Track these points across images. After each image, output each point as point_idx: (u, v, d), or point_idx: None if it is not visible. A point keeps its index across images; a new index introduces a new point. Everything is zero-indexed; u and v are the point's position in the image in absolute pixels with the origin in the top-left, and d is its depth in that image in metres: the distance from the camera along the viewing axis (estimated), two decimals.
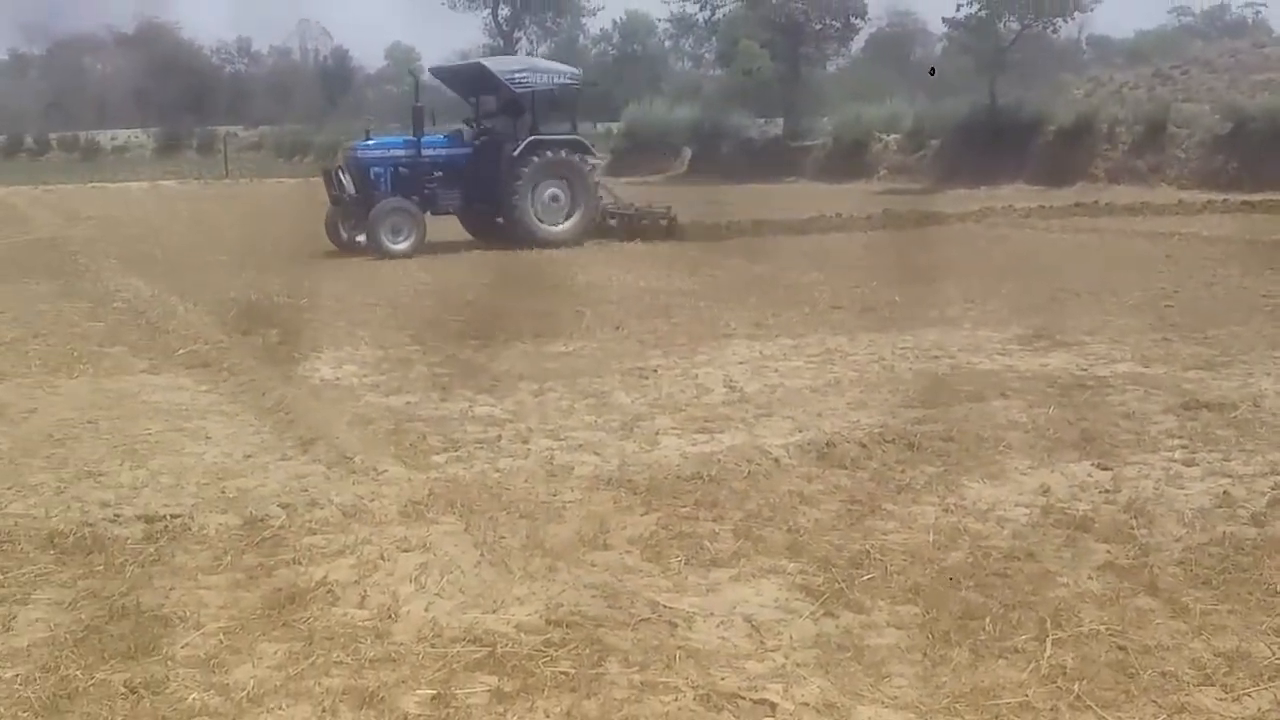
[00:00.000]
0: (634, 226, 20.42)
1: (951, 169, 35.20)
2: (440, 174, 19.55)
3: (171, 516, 5.93)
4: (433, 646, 4.44)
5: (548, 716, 3.93)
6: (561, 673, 4.21)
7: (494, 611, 4.77)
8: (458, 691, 4.10)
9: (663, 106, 51.05)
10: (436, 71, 23.65)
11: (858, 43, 54.37)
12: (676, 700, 4.02)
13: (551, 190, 19.61)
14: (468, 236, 20.40)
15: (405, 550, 5.49)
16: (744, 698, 4.03)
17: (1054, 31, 42.10)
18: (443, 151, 19.77)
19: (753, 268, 16.09)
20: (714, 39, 57.22)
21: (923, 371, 9.24)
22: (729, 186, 35.62)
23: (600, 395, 8.58)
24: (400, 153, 19.42)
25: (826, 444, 7.10)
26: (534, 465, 6.85)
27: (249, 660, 4.36)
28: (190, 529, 5.79)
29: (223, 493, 6.37)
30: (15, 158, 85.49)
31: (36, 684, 4.16)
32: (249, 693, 4.09)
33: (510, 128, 20.07)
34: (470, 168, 19.72)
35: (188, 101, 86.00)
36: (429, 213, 19.19)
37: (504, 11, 62.84)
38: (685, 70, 78.52)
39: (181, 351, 10.28)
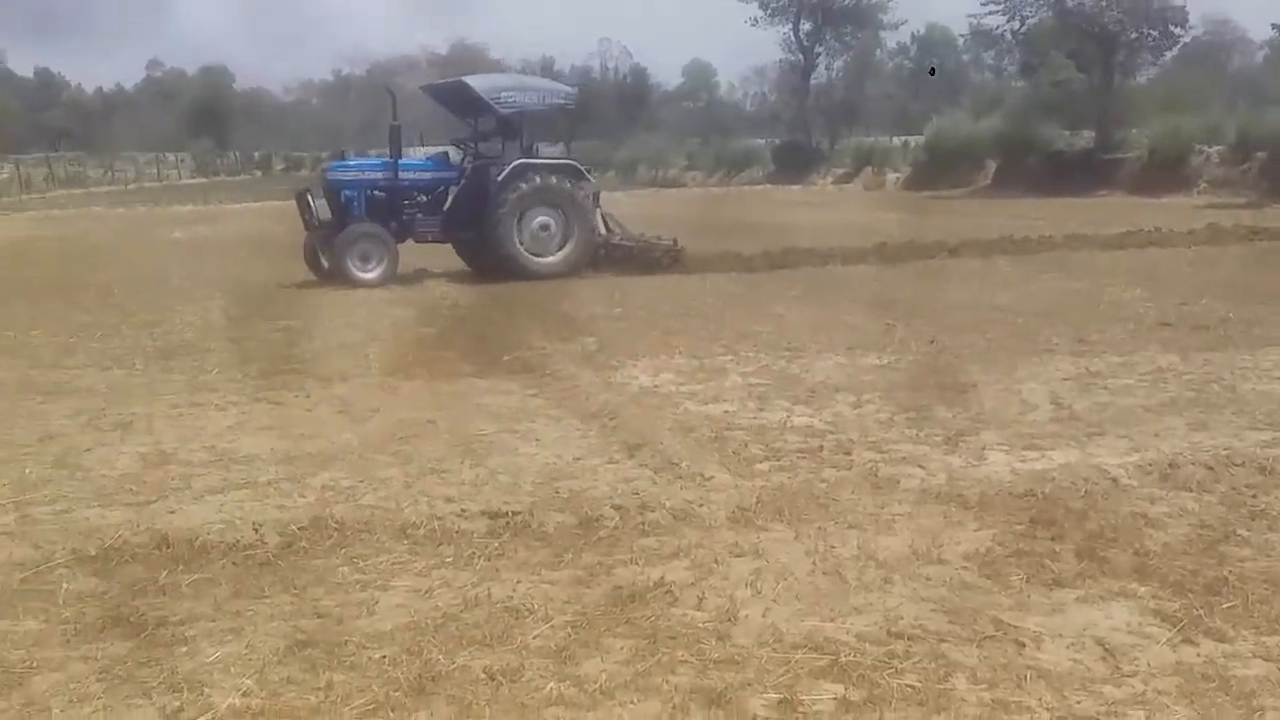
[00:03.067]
0: (636, 258, 18.54)
1: None
2: (420, 199, 18.16)
3: (513, 513, 6.17)
4: (774, 651, 4.47)
5: None
6: (908, 685, 4.17)
7: (832, 620, 4.76)
8: (803, 697, 4.11)
9: (965, 119, 49.98)
10: (429, 89, 21.66)
11: (1171, 51, 51.95)
12: None
13: (541, 219, 17.81)
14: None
15: (738, 555, 5.55)
16: None
17: None
18: (424, 175, 18.35)
19: (1069, 283, 15.54)
20: (1016, 50, 55.60)
21: (1267, 393, 8.71)
22: (1036, 200, 34.58)
23: (920, 409, 8.45)
24: (376, 175, 18.05)
25: (1169, 465, 6.80)
26: (858, 477, 6.81)
27: (597, 654, 4.49)
28: (530, 526, 6.01)
29: (557, 492, 6.58)
30: None
31: (403, 666, 4.40)
32: (600, 686, 4.21)
33: (510, 150, 18.29)
34: (456, 193, 18.18)
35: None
36: (409, 240, 17.98)
37: (805, 27, 62.88)
38: (985, 81, 76.68)
39: (507, 357, 10.69)
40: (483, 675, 4.31)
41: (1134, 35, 44.47)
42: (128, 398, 9.35)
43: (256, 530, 5.96)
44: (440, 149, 19.53)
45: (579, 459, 7.28)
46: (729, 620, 4.78)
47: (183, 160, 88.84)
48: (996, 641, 4.53)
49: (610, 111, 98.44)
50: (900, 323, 12.28)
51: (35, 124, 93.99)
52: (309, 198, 17.65)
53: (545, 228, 17.79)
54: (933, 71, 67.17)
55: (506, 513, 6.19)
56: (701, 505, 6.28)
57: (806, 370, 9.99)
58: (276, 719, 4.02)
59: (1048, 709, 3.99)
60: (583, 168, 18.71)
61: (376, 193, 17.76)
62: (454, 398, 9.17)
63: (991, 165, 46.31)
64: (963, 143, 47.36)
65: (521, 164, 17.73)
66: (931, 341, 11.20)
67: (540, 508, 6.28)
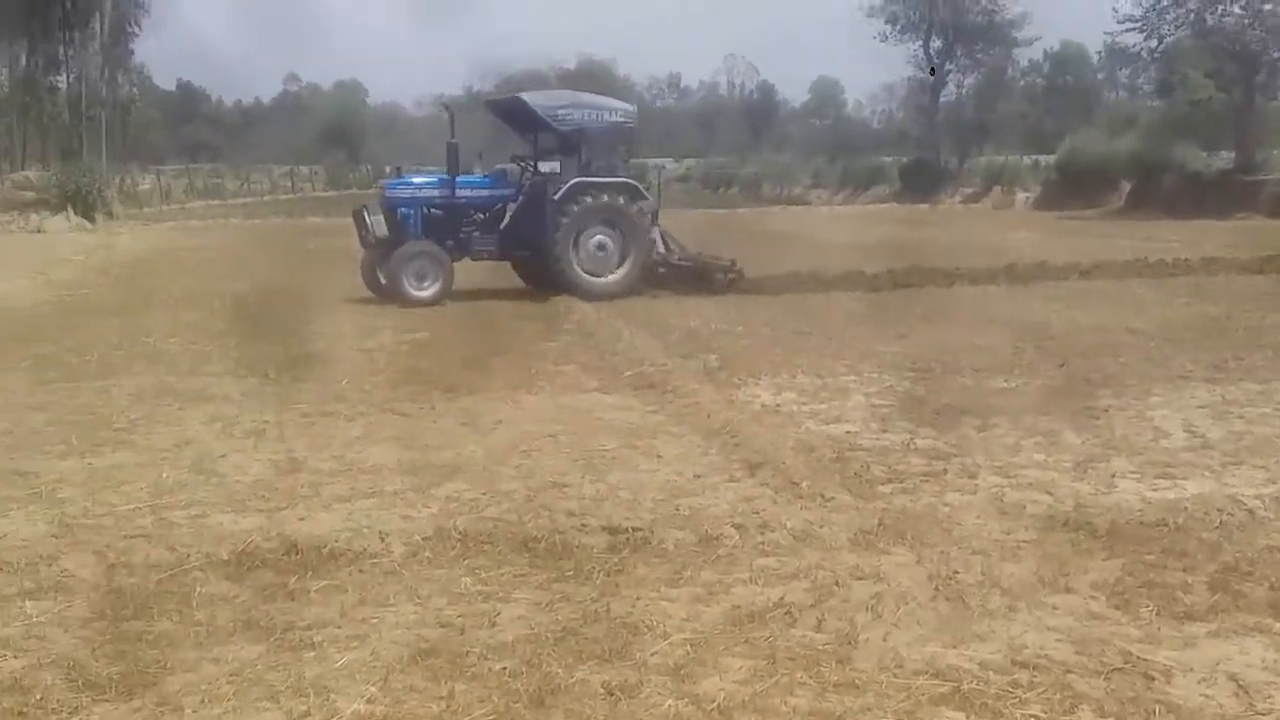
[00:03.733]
0: (693, 278, 18.31)
1: None
2: (477, 217, 18.11)
3: (633, 529, 6.20)
4: (895, 676, 4.42)
5: None
6: (1031, 715, 4.11)
7: (955, 647, 4.70)
8: None
9: (1099, 138, 48.97)
10: (491, 105, 21.47)
11: None
12: None
13: (598, 238, 17.68)
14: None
15: (858, 578, 5.50)
16: None
17: None
18: (481, 193, 18.27)
19: (1205, 308, 15.11)
20: (1153, 68, 54.32)
21: None
22: (1172, 222, 33.68)
23: (1049, 434, 8.30)
24: (433, 193, 17.96)
25: None
26: (983, 501, 6.71)
27: (715, 673, 4.49)
28: (650, 542, 6.03)
29: (677, 509, 6.59)
30: None
31: (523, 678, 4.44)
32: (719, 705, 4.21)
33: (569, 168, 18.12)
34: (514, 211, 18.17)
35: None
36: (466, 258, 17.96)
37: (935, 43, 62.21)
38: (1119, 100, 75.07)
39: (629, 373, 10.74)
40: (601, 690, 4.33)
41: (1276, 55, 43.17)
42: (261, 406, 9.59)
43: (382, 539, 6.07)
44: (501, 167, 19.38)
45: (699, 476, 7.29)
46: (849, 643, 4.74)
47: (316, 173, 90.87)
48: (1124, 674, 4.42)
49: (736, 128, 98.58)
50: (1029, 345, 12.07)
51: (176, 136, 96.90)
52: (365, 214, 17.79)
53: (602, 247, 17.67)
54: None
55: (627, 528, 6.22)
56: (822, 526, 6.24)
57: (932, 392, 9.87)
58: None
59: None
60: (640, 186, 18.60)
61: (433, 210, 17.74)
62: (576, 412, 9.24)
63: (1126, 186, 45.26)
64: (1096, 162, 46.36)
65: (579, 182, 17.60)
66: (1061, 365, 11.00)
67: (660, 524, 6.30)
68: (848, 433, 8.48)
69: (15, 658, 4.67)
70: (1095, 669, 4.47)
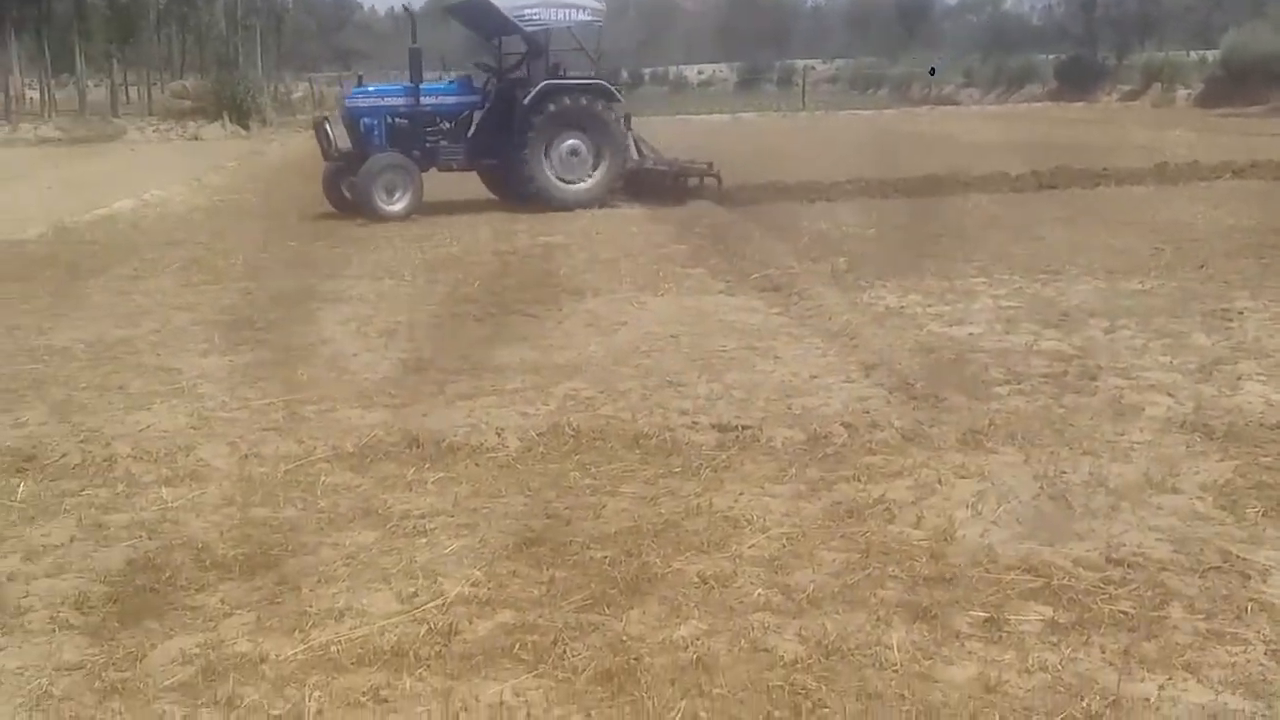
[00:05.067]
0: (671, 184, 17.61)
1: None
2: (444, 125, 17.17)
3: (742, 428, 6.30)
4: (987, 572, 4.47)
5: (1103, 652, 3.85)
6: (1120, 611, 4.11)
7: (1051, 545, 4.71)
8: (1010, 617, 4.11)
9: (1268, 32, 46.71)
10: (450, 9, 20.27)
11: None
12: (1245, 652, 3.82)
13: (570, 143, 16.84)
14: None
15: (963, 477, 5.53)
16: None
17: None
18: (447, 100, 17.32)
19: None
20: None
21: None
22: None
23: (1177, 336, 8.14)
24: (396, 101, 16.97)
25: None
26: (1101, 403, 6.64)
27: (809, 566, 4.59)
28: (759, 440, 6.13)
29: (789, 409, 6.66)
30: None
31: (621, 566, 4.60)
32: (808, 595, 4.31)
33: (537, 72, 17.12)
34: (480, 118, 17.30)
35: (769, 36, 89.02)
36: (433, 169, 17.05)
37: None
38: None
39: (755, 275, 10.77)
40: (695, 579, 4.47)
41: None
42: (394, 307, 9.89)
43: (499, 434, 6.27)
44: (464, 73, 18.58)
45: (815, 377, 7.33)
46: (944, 540, 4.79)
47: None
48: (1221, 573, 4.40)
49: (889, 26, 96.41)
50: (1169, 246, 11.76)
51: (329, 44, 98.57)
52: (327, 126, 17.08)
53: (575, 152, 16.92)
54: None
55: (736, 426, 6.31)
56: (932, 426, 6.25)
57: (1061, 294, 9.72)
58: (500, 608, 4.28)
59: (1264, 641, 3.88)
60: (613, 88, 17.66)
61: (398, 120, 16.88)
62: (699, 314, 9.32)
63: None
64: (1263, 57, 44.27)
65: (549, 85, 16.78)
66: (1201, 266, 10.70)
67: (770, 423, 6.38)
68: (970, 334, 8.42)
69: (150, 539, 4.99)
70: (1191, 567, 4.46)
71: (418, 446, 6.11)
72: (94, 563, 4.76)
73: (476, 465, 5.86)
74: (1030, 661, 3.81)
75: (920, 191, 17.55)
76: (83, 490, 5.60)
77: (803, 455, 5.90)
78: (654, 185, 17.67)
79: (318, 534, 5.03)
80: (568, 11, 17.23)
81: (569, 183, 16.88)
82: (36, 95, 67.35)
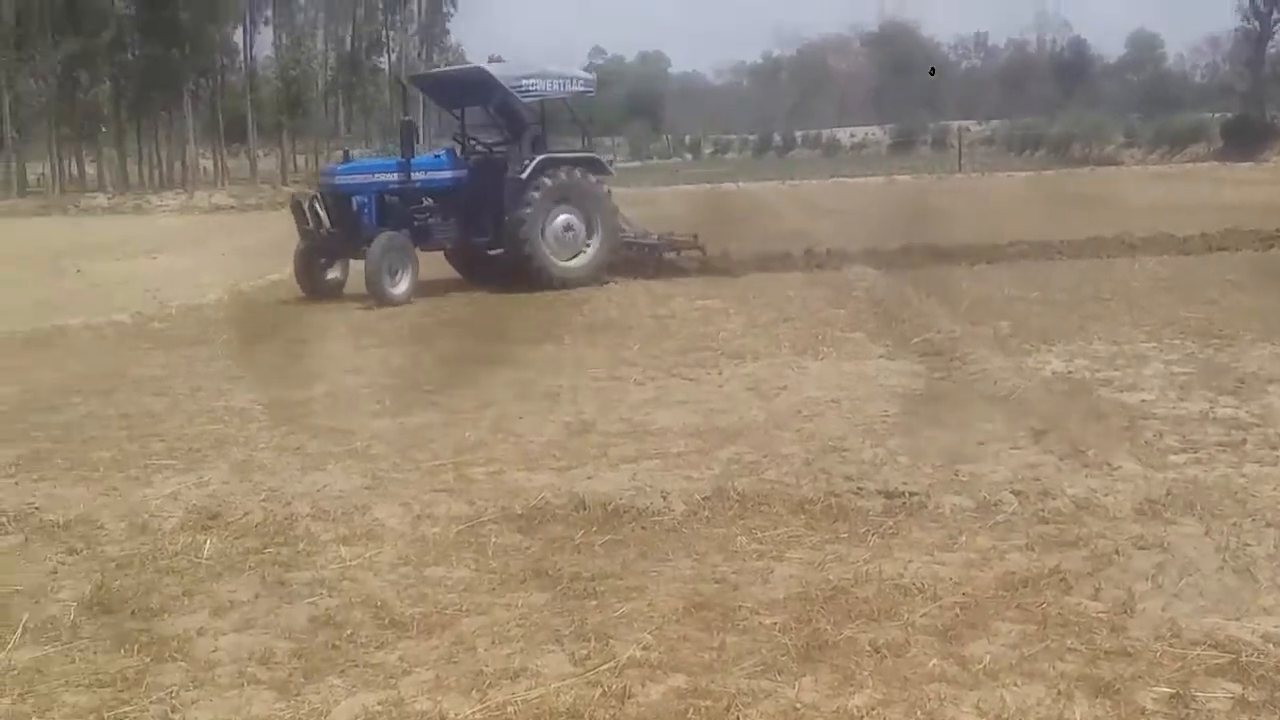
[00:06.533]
0: (653, 259, 17.11)
1: None
2: (432, 202, 16.20)
3: (910, 494, 6.24)
4: (1170, 646, 4.34)
5: None
6: None
7: (1237, 619, 4.56)
8: (1197, 694, 3.98)
9: None
10: (419, 79, 19.18)
11: None
12: None
13: (564, 218, 16.03)
14: None
15: (1141, 548, 5.38)
16: None
17: None
18: (440, 175, 16.32)
19: None
20: None
21: None
22: None
23: None
24: (388, 177, 15.96)
25: None
26: None
27: (984, 636, 4.51)
28: (926, 507, 6.06)
29: (956, 475, 6.58)
30: (764, 155, 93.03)
31: (792, 633, 4.58)
32: (985, 666, 4.24)
33: (514, 146, 16.49)
34: (466, 193, 16.35)
35: (923, 97, 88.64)
36: (419, 248, 15.84)
37: None
38: None
39: (916, 340, 10.68)
40: (868, 648, 4.43)
41: None
42: (556, 370, 10.05)
43: (664, 498, 6.31)
44: (445, 145, 17.76)
45: (981, 443, 7.23)
46: (1125, 613, 4.67)
47: (618, 144, 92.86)
48: None
49: (1044, 86, 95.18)
50: None
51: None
52: (316, 205, 15.89)
53: (569, 228, 16.11)
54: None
55: (904, 492, 6.26)
56: (1106, 495, 6.11)
57: (1237, 360, 9.43)
58: (672, 672, 4.29)
59: None
60: (604, 161, 17.15)
61: (389, 197, 15.84)
62: (860, 378, 9.27)
63: None
64: None
65: (547, 158, 16.08)
66: None
67: (938, 489, 6.31)
68: (1142, 401, 8.22)
69: (330, 596, 5.14)
70: None
71: (584, 509, 6.19)
72: (278, 619, 4.92)
73: (643, 529, 5.91)
74: None
75: (1084, 253, 17.21)
76: (265, 548, 5.79)
77: (972, 523, 5.81)
78: (639, 260, 17.20)
79: (490, 594, 5.12)
80: (563, 83, 16.91)
81: (562, 260, 16.09)
82: (210, 164, 70.44)
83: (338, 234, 15.59)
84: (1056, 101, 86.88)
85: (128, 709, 4.15)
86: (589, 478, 6.80)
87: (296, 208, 16.16)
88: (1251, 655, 4.23)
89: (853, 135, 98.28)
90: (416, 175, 16.00)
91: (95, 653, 4.62)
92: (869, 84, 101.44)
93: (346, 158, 17.66)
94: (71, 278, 19.31)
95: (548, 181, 15.87)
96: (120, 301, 15.44)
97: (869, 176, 51.54)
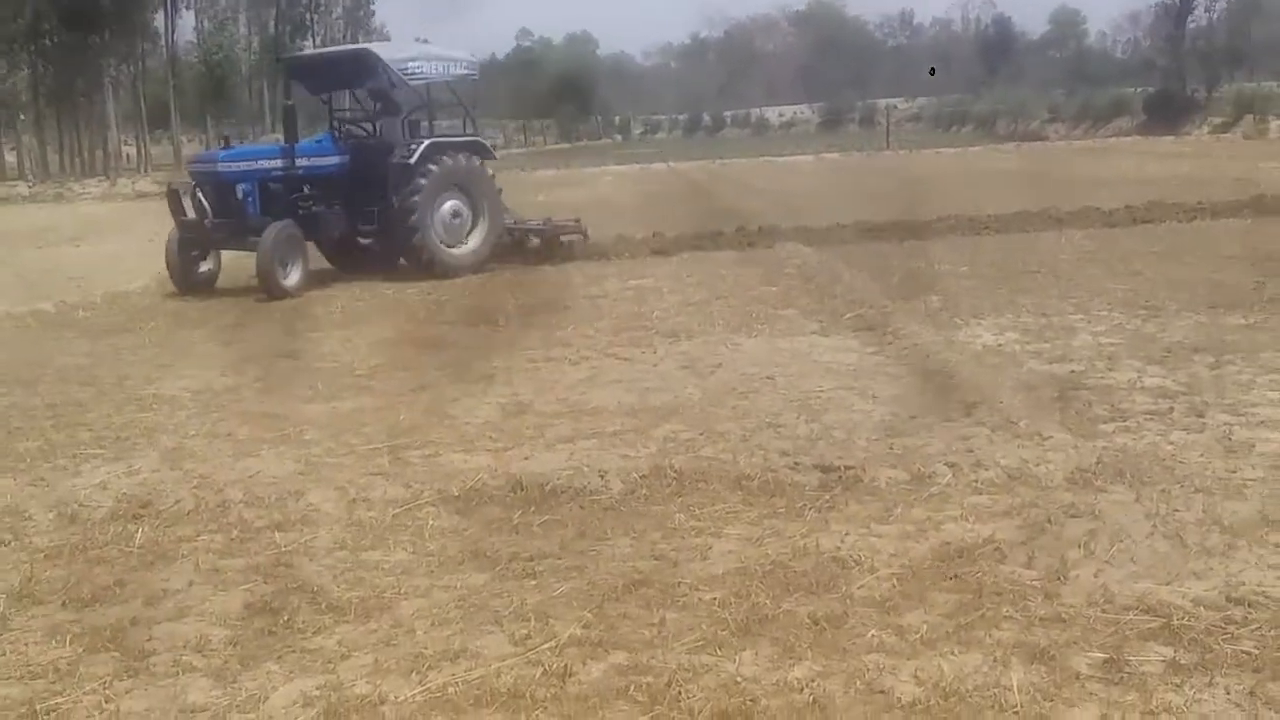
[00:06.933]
0: (550, 243, 16.62)
1: None
2: (315, 190, 15.34)
3: (845, 468, 6.28)
4: (1103, 612, 4.41)
5: (1228, 693, 3.78)
6: (1244, 651, 4.04)
7: (1168, 584, 4.64)
8: (1131, 658, 4.05)
9: None
10: (291, 61, 18.61)
11: None
12: None
13: (452, 204, 15.43)
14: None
15: (1073, 516, 5.46)
16: None
17: None
18: (324, 161, 15.49)
19: None
20: None
21: None
22: None
23: None
24: (272, 164, 15.06)
25: None
26: (1210, 440, 6.54)
27: (921, 606, 4.56)
28: (862, 480, 6.10)
29: (891, 449, 6.63)
30: (694, 135, 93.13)
31: (731, 608, 4.60)
32: (922, 636, 4.28)
33: (392, 129, 15.89)
34: (349, 180, 15.53)
35: (850, 76, 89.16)
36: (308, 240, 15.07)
37: None
38: None
39: (848, 315, 10.74)
40: (807, 620, 4.46)
41: None
42: (490, 352, 9.99)
43: (602, 477, 6.31)
44: (326, 132, 16.70)
45: (914, 417, 7.29)
46: (1058, 580, 4.74)
47: (548, 126, 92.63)
48: None
49: (970, 64, 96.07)
50: (1271, 280, 11.54)
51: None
52: (197, 193, 14.78)
53: (456, 214, 15.52)
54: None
55: (839, 467, 6.30)
56: (1038, 465, 6.19)
57: (1163, 329, 9.58)
58: (613, 649, 4.29)
59: None
60: (489, 145, 16.70)
61: (272, 185, 14.95)
62: (794, 355, 9.32)
63: None
64: None
65: (435, 143, 15.54)
66: None
67: (873, 463, 6.36)
68: (1071, 372, 8.32)
69: (266, 583, 5.08)
70: None
71: (522, 490, 6.16)
72: (213, 606, 4.86)
73: (581, 508, 5.90)
74: (1154, 703, 3.76)
75: (1012, 228, 17.40)
76: (198, 536, 5.72)
77: (907, 495, 5.87)
78: (522, 245, 16.72)
79: (429, 577, 5.09)
80: (447, 65, 16.32)
81: (450, 247, 15.50)
82: (133, 151, 69.32)
83: (221, 224, 14.60)
84: (981, 79, 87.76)
85: (60, 700, 4.08)
86: (526, 458, 6.78)
87: (174, 197, 15.32)
88: (1182, 619, 4.30)
89: (781, 114, 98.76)
90: (300, 161, 15.21)
91: (26, 644, 4.55)
92: (797, 63, 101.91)
93: (227, 144, 16.61)
94: None
95: (434, 168, 15.29)
96: (43, 290, 15.14)
97: (798, 155, 51.69)
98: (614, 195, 29.93)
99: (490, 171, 16.16)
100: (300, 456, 7.01)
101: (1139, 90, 66.84)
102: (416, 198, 15.02)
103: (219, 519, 5.95)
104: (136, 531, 5.77)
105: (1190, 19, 62.87)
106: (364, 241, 15.81)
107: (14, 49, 62.77)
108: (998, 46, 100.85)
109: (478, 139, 16.51)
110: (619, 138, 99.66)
